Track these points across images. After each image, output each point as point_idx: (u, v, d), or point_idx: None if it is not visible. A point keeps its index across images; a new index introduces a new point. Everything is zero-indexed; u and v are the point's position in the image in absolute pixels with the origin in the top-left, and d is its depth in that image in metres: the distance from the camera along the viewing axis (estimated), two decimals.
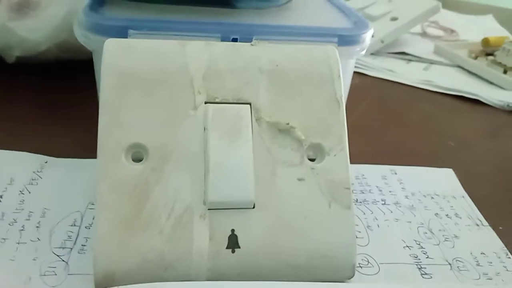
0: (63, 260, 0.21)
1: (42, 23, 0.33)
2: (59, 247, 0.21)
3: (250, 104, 0.21)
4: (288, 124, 0.21)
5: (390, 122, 0.38)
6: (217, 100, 0.21)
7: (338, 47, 0.24)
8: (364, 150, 0.32)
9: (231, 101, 0.21)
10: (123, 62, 0.20)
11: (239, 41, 0.23)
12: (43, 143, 0.29)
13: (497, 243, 0.25)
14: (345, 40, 0.24)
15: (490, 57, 0.51)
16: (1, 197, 0.24)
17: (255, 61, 0.21)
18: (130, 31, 0.22)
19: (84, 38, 0.23)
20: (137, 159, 0.20)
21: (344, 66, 0.24)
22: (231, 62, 0.21)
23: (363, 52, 0.26)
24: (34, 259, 0.21)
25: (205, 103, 0.21)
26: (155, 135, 0.20)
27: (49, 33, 0.34)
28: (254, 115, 0.21)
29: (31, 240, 0.22)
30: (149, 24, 0.23)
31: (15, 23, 0.34)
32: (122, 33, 0.22)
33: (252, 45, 0.22)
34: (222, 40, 0.23)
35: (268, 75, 0.21)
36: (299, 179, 0.21)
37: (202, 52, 0.21)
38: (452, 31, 0.62)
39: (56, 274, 0.20)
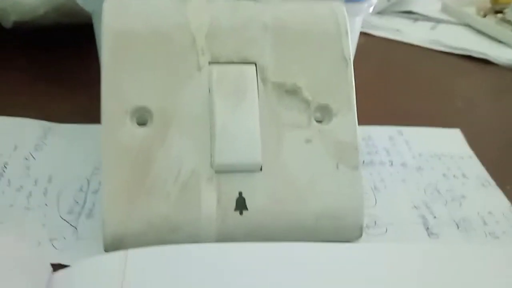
0: (72, 225, 0.21)
1: None
2: (67, 213, 0.22)
3: (255, 64, 0.21)
4: (294, 84, 0.21)
5: (397, 83, 0.38)
6: (221, 60, 0.20)
7: (346, 3, 0.23)
8: (370, 111, 0.32)
9: (235, 61, 0.20)
10: (123, 23, 0.20)
11: None
12: (44, 109, 0.29)
13: (504, 203, 0.25)
14: None
15: (499, 15, 0.49)
16: (7, 164, 0.24)
17: (260, 18, 0.21)
18: None
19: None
20: (142, 123, 0.19)
21: (351, 23, 0.23)
22: (235, 19, 0.21)
23: (371, 9, 0.25)
24: (43, 225, 0.21)
25: (209, 63, 0.20)
26: (159, 97, 0.20)
27: None
28: (259, 75, 0.20)
29: (39, 206, 0.22)
30: None
31: None
32: None
33: (256, 1, 0.21)
34: None
35: (273, 33, 0.21)
36: (306, 141, 0.20)
37: (203, 9, 0.20)
38: None
39: (65, 239, 0.20)
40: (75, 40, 0.38)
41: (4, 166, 0.24)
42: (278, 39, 0.21)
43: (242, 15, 0.21)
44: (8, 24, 0.35)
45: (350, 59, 0.21)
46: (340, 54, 0.21)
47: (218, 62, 0.20)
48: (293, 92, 0.21)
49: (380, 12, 0.50)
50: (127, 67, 0.19)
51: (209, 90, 0.20)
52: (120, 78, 0.19)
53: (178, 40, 0.20)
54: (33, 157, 0.25)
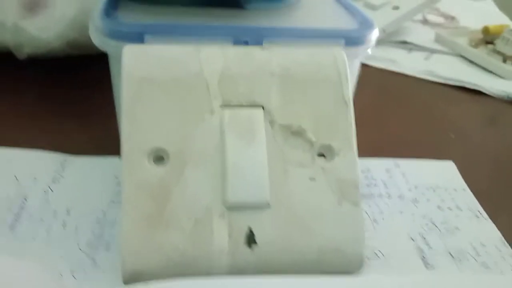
0: (91, 257, 0.22)
1: (53, 22, 0.34)
2: (86, 245, 0.23)
3: (263, 107, 0.22)
4: (299, 126, 0.22)
5: (392, 113, 0.40)
6: (232, 104, 0.22)
7: (345, 47, 0.25)
8: (368, 142, 0.33)
9: (245, 104, 0.22)
10: (142, 69, 0.21)
11: (250, 44, 0.24)
12: (58, 140, 0.30)
13: (496, 234, 0.26)
14: (352, 41, 0.25)
15: (490, 46, 0.52)
16: (27, 197, 0.25)
17: (267, 65, 0.22)
18: (147, 36, 0.23)
19: (101, 42, 0.24)
20: (159, 161, 0.21)
21: (351, 65, 0.25)
22: (244, 67, 0.22)
23: (369, 51, 0.27)
24: (63, 257, 0.22)
25: (221, 107, 0.22)
26: (175, 138, 0.21)
27: (60, 31, 0.34)
28: (267, 117, 0.22)
29: (59, 239, 0.23)
30: (165, 29, 0.23)
31: (26, 22, 0.34)
32: (138, 38, 0.23)
33: (263, 49, 0.23)
34: (234, 43, 0.24)
35: (279, 79, 0.22)
36: (311, 179, 0.22)
37: (216, 57, 0.22)
38: (452, 18, 0.63)
39: (85, 272, 0.21)
40: (83, 69, 0.40)
41: (25, 199, 0.25)
42: (284, 85, 0.22)
43: (251, 63, 0.22)
44: (22, 56, 0.37)
45: (350, 102, 0.23)
46: (341, 97, 0.23)
47: (229, 106, 0.22)
48: (298, 133, 0.22)
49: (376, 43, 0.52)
50: (145, 111, 0.21)
51: (221, 132, 0.21)
52: (138, 121, 0.21)
53: (193, 86, 0.21)
54: (51, 189, 0.26)
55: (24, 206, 0.25)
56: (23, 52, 0.36)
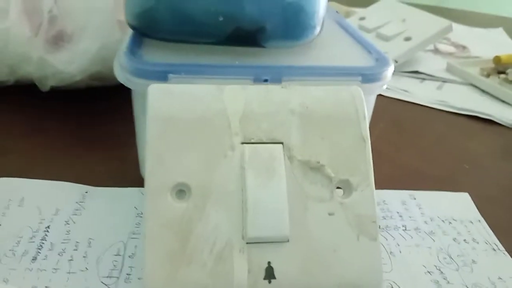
0: None
1: (77, 56, 0.35)
2: (106, 276, 0.23)
3: (282, 143, 0.23)
4: (318, 162, 0.23)
5: (406, 144, 0.40)
6: (252, 141, 0.23)
7: (362, 84, 0.26)
8: (383, 174, 0.34)
9: (265, 141, 0.23)
10: (166, 108, 0.22)
11: (270, 82, 0.25)
12: (80, 172, 0.31)
13: None
14: (369, 78, 0.26)
15: (502, 75, 0.52)
16: (49, 228, 0.26)
17: (286, 104, 0.23)
18: (170, 76, 0.24)
19: (126, 80, 0.25)
20: (181, 197, 0.22)
21: (367, 101, 0.25)
22: (265, 105, 0.23)
23: (385, 87, 0.28)
24: None
25: (242, 143, 0.22)
26: (197, 174, 0.22)
27: (83, 66, 0.36)
28: (286, 154, 0.23)
29: (80, 270, 0.24)
30: (188, 69, 0.24)
31: (51, 56, 0.36)
32: (162, 77, 0.24)
33: (282, 87, 0.24)
34: (254, 82, 0.25)
35: (299, 117, 0.23)
36: (329, 214, 0.22)
37: (238, 96, 0.23)
38: (464, 47, 0.63)
39: None
40: (104, 99, 0.41)
41: (47, 230, 0.26)
42: (303, 122, 0.23)
43: (272, 101, 0.23)
44: (45, 88, 0.38)
45: (367, 138, 0.23)
46: (359, 134, 0.23)
47: (249, 142, 0.22)
48: (317, 169, 0.23)
49: None
50: (169, 147, 0.22)
51: (242, 167, 0.22)
52: (162, 158, 0.22)
53: (215, 124, 0.22)
54: (73, 221, 0.27)
55: (46, 237, 0.25)
56: (47, 85, 0.38)
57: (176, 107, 0.22)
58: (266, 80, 0.25)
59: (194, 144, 0.22)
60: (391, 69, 0.27)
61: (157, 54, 0.26)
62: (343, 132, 0.23)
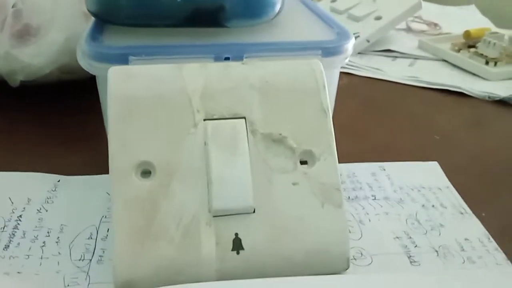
0: (84, 271, 0.23)
1: (44, 49, 0.35)
2: (79, 259, 0.24)
3: (244, 118, 0.23)
4: (280, 134, 0.23)
5: (378, 120, 0.41)
6: (214, 117, 0.23)
7: (323, 58, 0.26)
8: (355, 149, 0.35)
9: (227, 116, 0.23)
10: (127, 89, 0.22)
11: (231, 60, 0.25)
12: (52, 164, 0.31)
13: (480, 229, 0.27)
14: (329, 51, 0.26)
15: (472, 49, 0.53)
16: (21, 217, 0.26)
17: (246, 79, 0.24)
18: (131, 58, 0.24)
19: (88, 66, 0.25)
20: (146, 176, 0.22)
21: (329, 75, 0.26)
22: (225, 81, 0.23)
23: (346, 60, 0.28)
24: (57, 272, 0.23)
25: (204, 120, 0.23)
26: (161, 152, 0.22)
27: (51, 58, 0.36)
28: (249, 128, 0.23)
29: (53, 255, 0.24)
30: (148, 50, 0.25)
31: (18, 50, 0.35)
32: (123, 59, 0.24)
33: (243, 63, 0.24)
34: (215, 60, 0.25)
35: (259, 91, 0.24)
36: (294, 184, 0.23)
37: (197, 74, 0.23)
38: (435, 24, 0.64)
39: (79, 284, 0.22)
40: (74, 93, 0.41)
41: (19, 219, 0.26)
42: (264, 96, 0.23)
43: (231, 77, 0.23)
44: (15, 83, 0.38)
45: (328, 109, 0.24)
46: (320, 106, 0.24)
47: (212, 119, 0.23)
48: (279, 141, 0.23)
49: (361, 52, 0.54)
50: (131, 128, 0.22)
51: (205, 144, 0.22)
52: (125, 138, 0.22)
53: (176, 102, 0.22)
54: (45, 209, 0.27)
55: (18, 226, 0.25)
56: (16, 79, 0.38)
57: (136, 88, 0.22)
58: (227, 59, 0.25)
59: (156, 123, 0.22)
60: (351, 42, 0.28)
61: (118, 38, 0.26)
62: (304, 104, 0.24)
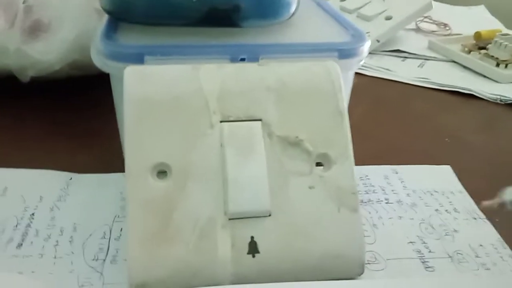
0: (98, 271, 0.23)
1: (54, 45, 0.35)
2: (93, 259, 0.23)
3: (261, 120, 0.23)
4: (297, 137, 0.23)
5: (389, 121, 0.40)
6: (231, 119, 0.23)
7: (338, 60, 0.26)
8: (366, 151, 0.34)
9: (243, 118, 0.23)
10: (143, 90, 0.22)
11: (247, 61, 0.25)
12: (64, 161, 0.31)
13: (494, 235, 0.27)
14: (345, 53, 0.26)
15: (483, 51, 0.53)
16: (33, 215, 0.26)
17: (263, 81, 0.23)
18: (146, 57, 0.24)
19: (103, 64, 0.25)
20: (162, 177, 0.22)
21: (344, 77, 0.25)
22: (241, 83, 0.23)
23: (362, 63, 0.28)
24: (71, 272, 0.23)
25: (220, 122, 0.23)
26: (177, 154, 0.22)
27: (62, 54, 0.35)
28: (265, 130, 0.23)
29: (66, 254, 0.24)
30: (163, 50, 0.24)
31: (28, 46, 0.35)
32: (138, 59, 0.24)
33: (259, 65, 0.24)
34: (231, 61, 0.25)
35: (276, 93, 0.23)
36: (310, 187, 0.23)
37: (214, 75, 0.23)
38: (445, 25, 0.64)
39: (93, 285, 0.22)
40: (84, 89, 0.41)
41: (32, 217, 0.26)
42: (280, 98, 0.23)
43: (248, 78, 0.23)
44: (25, 79, 0.38)
45: (345, 112, 0.24)
46: (336, 108, 0.24)
47: (228, 121, 0.23)
48: (295, 144, 0.23)
49: (371, 52, 0.53)
50: (147, 128, 0.22)
51: (221, 145, 0.22)
52: (141, 139, 0.22)
53: (193, 103, 0.22)
54: (57, 207, 0.27)
55: (31, 224, 0.25)
56: (26, 75, 0.37)
57: (152, 89, 0.22)
58: (243, 59, 0.25)
59: (172, 124, 0.22)
60: (367, 44, 0.27)
61: (132, 37, 0.26)
62: (320, 107, 0.24)
